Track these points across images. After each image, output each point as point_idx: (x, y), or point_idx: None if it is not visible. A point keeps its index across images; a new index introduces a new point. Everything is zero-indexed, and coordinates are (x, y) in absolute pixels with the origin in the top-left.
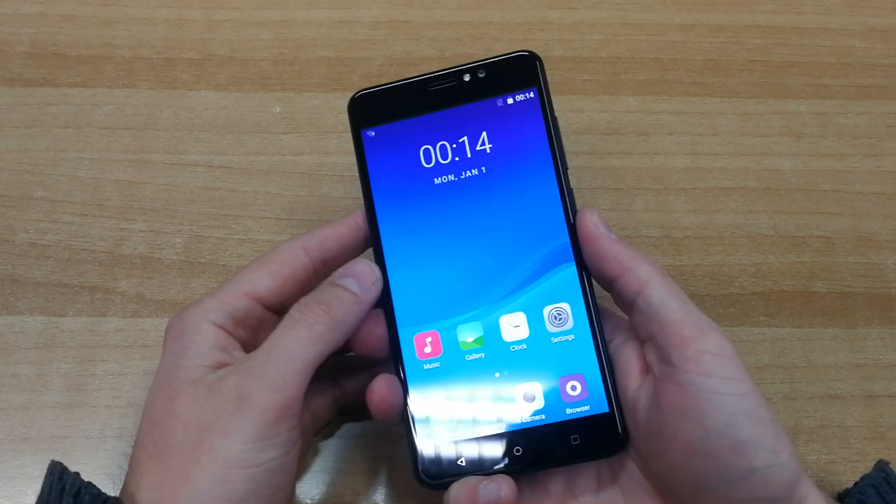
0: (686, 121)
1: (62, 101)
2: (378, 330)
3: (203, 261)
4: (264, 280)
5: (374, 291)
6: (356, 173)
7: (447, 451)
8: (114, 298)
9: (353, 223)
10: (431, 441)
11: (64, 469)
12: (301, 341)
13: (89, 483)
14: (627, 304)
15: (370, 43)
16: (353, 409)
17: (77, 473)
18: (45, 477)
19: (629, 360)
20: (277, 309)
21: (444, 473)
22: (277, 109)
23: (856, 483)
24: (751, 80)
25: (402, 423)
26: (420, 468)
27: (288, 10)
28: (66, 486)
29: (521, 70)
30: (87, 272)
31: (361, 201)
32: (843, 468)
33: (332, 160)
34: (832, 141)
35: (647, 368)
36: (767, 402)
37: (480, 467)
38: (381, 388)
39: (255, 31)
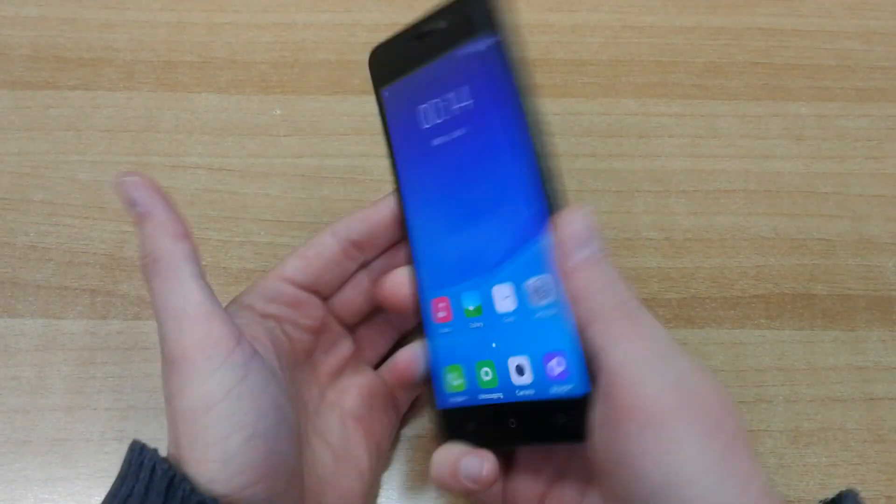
0: (686, 123)
1: (63, 103)
2: (403, 290)
3: (204, 263)
4: (292, 262)
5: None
6: (357, 175)
7: (459, 417)
8: (114, 301)
9: (381, 205)
10: (446, 404)
11: (144, 447)
12: (171, 282)
13: (165, 458)
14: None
15: (371, 46)
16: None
17: (156, 449)
18: (126, 454)
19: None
20: (308, 286)
21: (460, 437)
22: (278, 112)
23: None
24: (751, 83)
25: (423, 387)
26: (440, 428)
27: (289, 12)
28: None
29: (475, 13)
30: (88, 275)
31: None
32: (844, 471)
33: (333, 163)
34: (833, 143)
35: None
36: (716, 454)
37: (484, 436)
38: (404, 359)
39: (256, 33)
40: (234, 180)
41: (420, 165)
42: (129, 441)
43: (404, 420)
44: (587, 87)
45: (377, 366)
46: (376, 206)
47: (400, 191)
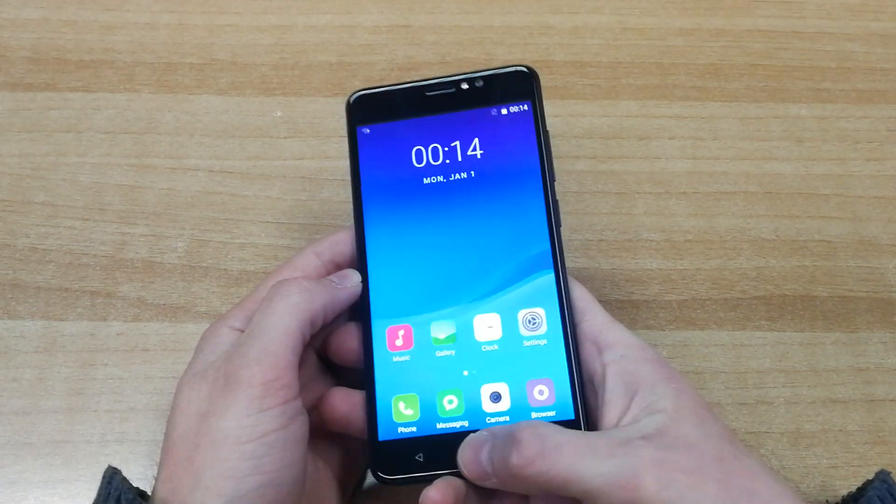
0: (687, 125)
1: (64, 105)
2: (350, 340)
3: (204, 265)
4: None
5: (351, 287)
6: None
7: (406, 447)
8: (115, 303)
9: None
10: (391, 435)
11: (115, 474)
12: (278, 314)
13: (133, 487)
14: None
15: (371, 47)
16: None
17: (125, 478)
18: (100, 481)
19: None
20: None
21: (401, 469)
22: (279, 114)
23: (859, 489)
24: (751, 85)
25: (361, 429)
26: (377, 462)
27: (289, 14)
28: (111, 491)
29: (517, 83)
30: (89, 276)
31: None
32: (845, 472)
33: (334, 164)
34: (833, 145)
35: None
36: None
37: (439, 466)
38: (337, 402)
39: (257, 35)
40: (234, 182)
41: (399, 202)
42: (130, 443)
43: None
44: (588, 89)
45: None
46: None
47: (362, 217)
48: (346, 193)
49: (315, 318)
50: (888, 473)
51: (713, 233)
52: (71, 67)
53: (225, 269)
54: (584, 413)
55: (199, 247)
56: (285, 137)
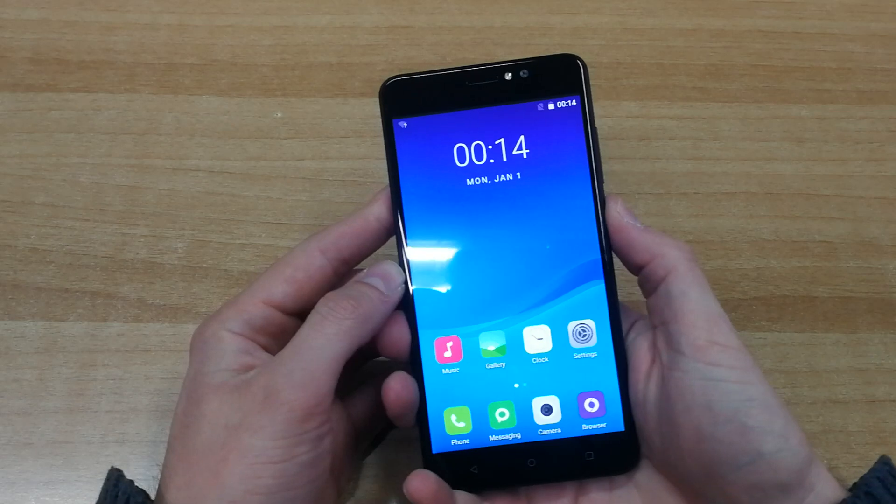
0: (687, 125)
1: (64, 106)
2: (405, 333)
3: (205, 266)
4: (280, 286)
5: (398, 291)
6: (358, 178)
7: (460, 460)
8: (115, 303)
9: (369, 217)
10: (444, 448)
11: (120, 476)
12: (329, 337)
13: (140, 491)
14: (651, 288)
15: (372, 48)
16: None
17: (131, 481)
18: (103, 483)
19: (640, 355)
20: (298, 313)
21: (457, 482)
22: (279, 114)
23: (861, 478)
24: (752, 85)
25: (415, 425)
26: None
27: (289, 15)
28: (119, 494)
29: (565, 74)
30: (89, 277)
31: (383, 194)
32: (846, 473)
33: (334, 165)
34: (834, 146)
35: (655, 359)
36: (776, 393)
37: (495, 478)
38: (396, 385)
39: (257, 36)
40: (235, 183)
41: (442, 205)
42: (130, 444)
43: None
44: None
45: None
46: (363, 218)
47: (403, 220)
48: (347, 194)
49: (363, 343)
50: (889, 459)
51: (714, 233)
52: (71, 68)
53: (225, 270)
54: (632, 424)
55: (200, 247)
56: (286, 138)
